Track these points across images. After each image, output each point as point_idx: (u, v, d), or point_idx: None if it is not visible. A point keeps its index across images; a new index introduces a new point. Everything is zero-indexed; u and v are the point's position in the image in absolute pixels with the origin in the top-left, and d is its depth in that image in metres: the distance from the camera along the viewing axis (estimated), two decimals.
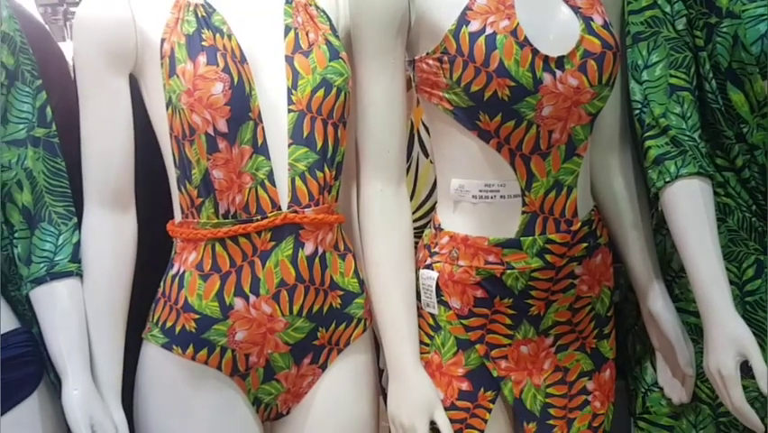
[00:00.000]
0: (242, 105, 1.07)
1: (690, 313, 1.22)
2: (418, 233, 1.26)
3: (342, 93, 1.13)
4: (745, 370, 1.08)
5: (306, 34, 1.14)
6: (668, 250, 1.24)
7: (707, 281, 1.11)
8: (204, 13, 1.09)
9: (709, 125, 1.20)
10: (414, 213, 1.46)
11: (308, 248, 1.12)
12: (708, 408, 1.22)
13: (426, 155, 1.43)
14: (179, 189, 1.12)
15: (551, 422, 1.20)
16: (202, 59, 1.06)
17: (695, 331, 1.22)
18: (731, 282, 1.15)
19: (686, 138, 1.16)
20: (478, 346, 1.17)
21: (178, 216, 1.15)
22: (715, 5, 1.15)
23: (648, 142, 1.18)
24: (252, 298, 1.10)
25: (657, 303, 1.23)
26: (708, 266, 1.11)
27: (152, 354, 1.14)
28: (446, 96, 1.12)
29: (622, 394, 1.35)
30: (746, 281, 1.20)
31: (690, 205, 1.13)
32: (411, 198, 1.45)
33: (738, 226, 1.20)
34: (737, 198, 1.20)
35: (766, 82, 1.13)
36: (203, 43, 1.07)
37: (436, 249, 1.19)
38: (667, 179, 1.15)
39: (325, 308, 1.15)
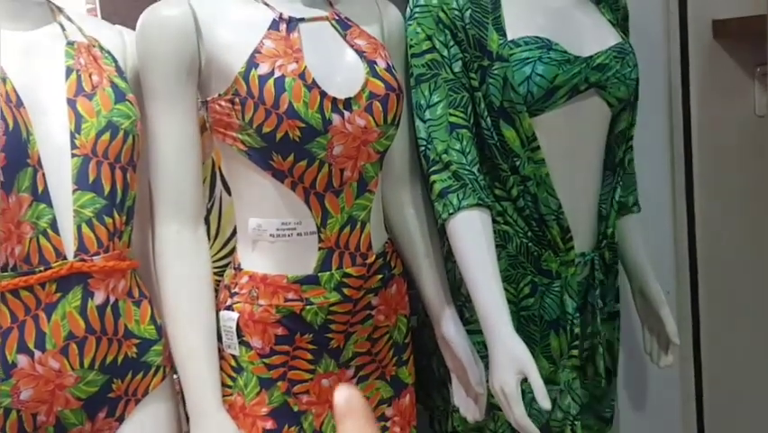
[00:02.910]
0: (18, 152, 1.01)
1: (481, 333, 1.29)
2: (224, 272, 1.25)
3: (131, 136, 1.11)
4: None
5: (90, 76, 1.10)
6: (458, 277, 1.31)
7: (488, 306, 1.19)
8: None
9: (487, 159, 1.30)
10: (218, 251, 1.44)
11: (99, 297, 1.07)
12: (504, 414, 1.30)
13: (230, 193, 1.42)
14: None
15: None
16: None
17: (486, 349, 1.30)
18: (510, 301, 1.25)
19: (466, 172, 1.24)
20: (280, 384, 1.17)
21: None
22: (486, 50, 1.26)
23: (433, 177, 1.25)
24: (38, 353, 1.03)
25: (449, 328, 1.29)
26: (488, 292, 1.19)
27: None
28: (240, 136, 1.12)
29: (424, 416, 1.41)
30: (522, 298, 1.31)
31: (472, 235, 1.22)
32: (216, 237, 1.44)
33: (517, 252, 1.31)
34: (515, 226, 1.31)
35: (533, 119, 1.25)
36: None
37: (236, 289, 1.19)
38: (450, 211, 1.23)
39: (120, 359, 1.11)
